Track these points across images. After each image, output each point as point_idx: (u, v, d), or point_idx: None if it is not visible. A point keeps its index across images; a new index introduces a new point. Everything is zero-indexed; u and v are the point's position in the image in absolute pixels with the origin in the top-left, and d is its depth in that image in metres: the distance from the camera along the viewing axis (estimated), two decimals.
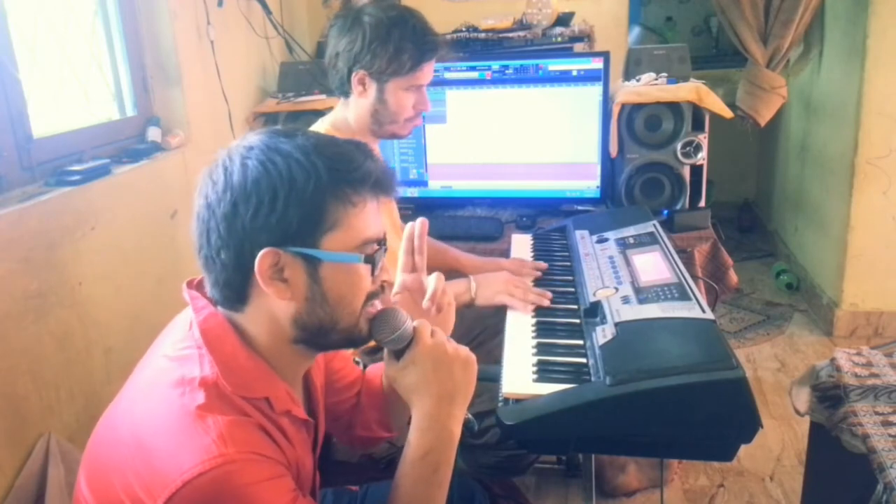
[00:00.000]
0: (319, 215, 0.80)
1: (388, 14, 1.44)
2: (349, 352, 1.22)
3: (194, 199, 0.83)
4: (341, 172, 0.80)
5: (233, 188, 0.79)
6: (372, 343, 0.92)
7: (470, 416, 0.95)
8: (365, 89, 1.47)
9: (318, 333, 0.85)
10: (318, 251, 0.81)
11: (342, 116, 1.55)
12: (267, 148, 0.80)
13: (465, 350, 0.95)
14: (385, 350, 0.94)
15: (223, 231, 0.79)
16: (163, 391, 0.79)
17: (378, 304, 0.90)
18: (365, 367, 1.20)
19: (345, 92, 1.51)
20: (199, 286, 0.89)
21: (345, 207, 0.81)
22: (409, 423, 0.93)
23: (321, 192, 0.79)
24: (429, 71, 1.50)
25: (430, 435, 0.90)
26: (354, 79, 1.45)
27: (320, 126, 1.57)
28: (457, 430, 0.92)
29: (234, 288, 0.83)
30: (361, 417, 1.13)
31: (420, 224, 1.12)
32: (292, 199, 0.78)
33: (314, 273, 0.81)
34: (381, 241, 0.88)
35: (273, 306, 0.83)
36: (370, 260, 0.84)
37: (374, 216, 0.85)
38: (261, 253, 0.78)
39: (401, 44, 1.43)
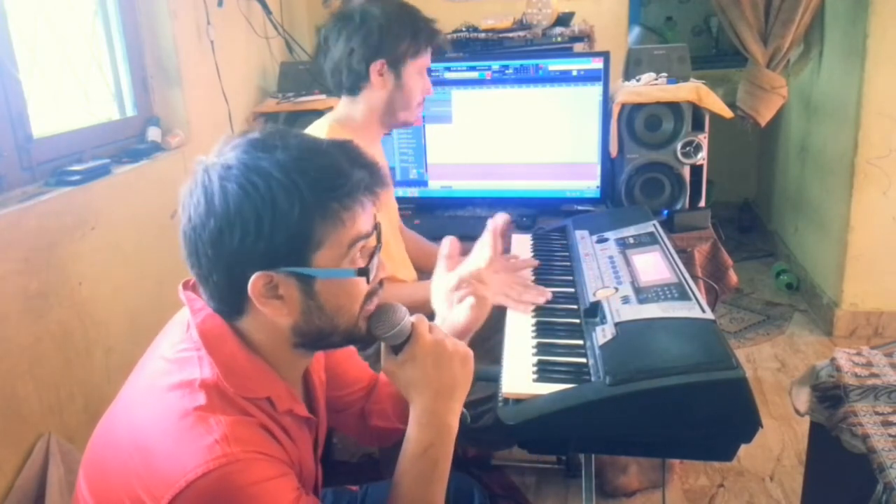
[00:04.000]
0: (307, 236, 0.78)
1: (393, 2, 1.54)
2: None
3: (178, 213, 0.81)
4: (327, 190, 0.77)
5: (216, 214, 0.76)
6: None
7: (463, 409, 0.96)
8: (383, 78, 1.52)
9: (317, 339, 0.85)
10: (310, 269, 0.79)
11: (346, 113, 1.57)
12: (246, 168, 0.76)
13: (462, 345, 0.95)
14: (382, 345, 0.93)
15: (211, 254, 0.78)
16: (162, 394, 0.79)
17: (376, 301, 0.89)
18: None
19: (356, 89, 1.54)
20: (195, 287, 0.89)
21: (334, 224, 0.79)
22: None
23: (307, 213, 0.76)
24: (429, 54, 1.59)
25: (431, 430, 0.90)
26: (373, 70, 1.50)
27: (324, 123, 1.58)
28: (455, 425, 0.92)
29: (231, 303, 0.82)
30: (378, 407, 1.11)
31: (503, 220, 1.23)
32: (278, 223, 0.75)
33: (309, 289, 0.80)
34: (377, 234, 0.86)
35: (271, 318, 0.82)
36: (364, 272, 0.83)
37: (364, 217, 0.83)
38: (252, 277, 0.77)
39: (415, 24, 1.52)
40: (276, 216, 0.75)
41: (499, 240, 1.26)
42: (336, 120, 1.58)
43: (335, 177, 0.79)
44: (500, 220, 1.33)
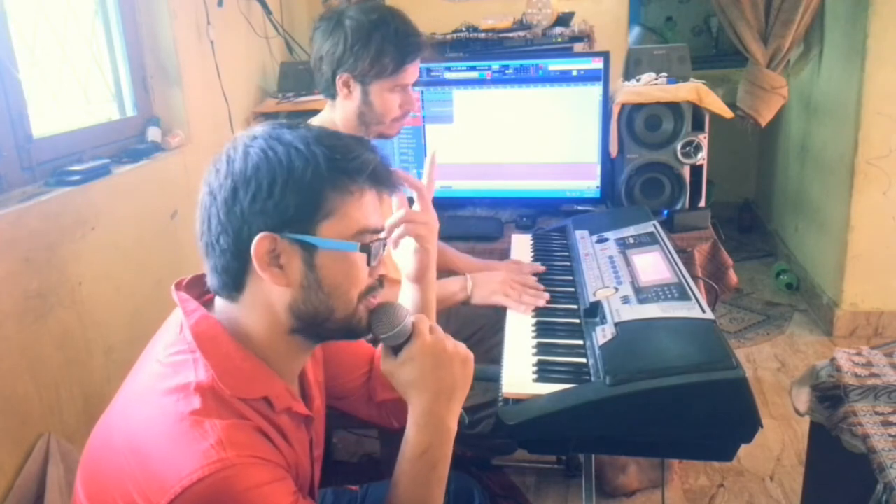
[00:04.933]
0: (317, 202, 0.81)
1: (370, 17, 1.44)
2: None
3: (199, 189, 0.84)
4: (339, 161, 0.82)
5: (234, 174, 0.81)
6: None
7: (462, 411, 0.96)
8: (350, 91, 1.47)
9: (314, 322, 0.85)
10: (314, 238, 0.81)
11: (329, 118, 1.55)
12: (270, 137, 0.82)
13: (463, 347, 0.95)
14: (381, 345, 0.93)
15: (223, 215, 0.81)
16: (158, 398, 0.79)
17: (378, 297, 0.90)
18: None
19: (331, 94, 1.51)
20: (187, 287, 0.89)
21: (342, 196, 0.82)
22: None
23: (319, 179, 0.81)
24: (413, 71, 1.50)
25: (429, 431, 0.90)
26: (339, 81, 1.46)
27: None
28: (454, 427, 0.92)
29: (232, 274, 0.83)
30: (381, 381, 1.09)
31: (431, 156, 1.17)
32: (290, 185, 0.80)
33: (310, 260, 0.82)
34: (382, 235, 0.88)
35: (269, 294, 0.83)
36: (366, 249, 0.84)
37: (372, 208, 0.86)
38: (258, 237, 0.79)
39: (382, 46, 1.43)
40: (290, 178, 0.80)
41: (431, 174, 1.17)
42: (320, 125, 1.56)
43: (348, 152, 0.84)
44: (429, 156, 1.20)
